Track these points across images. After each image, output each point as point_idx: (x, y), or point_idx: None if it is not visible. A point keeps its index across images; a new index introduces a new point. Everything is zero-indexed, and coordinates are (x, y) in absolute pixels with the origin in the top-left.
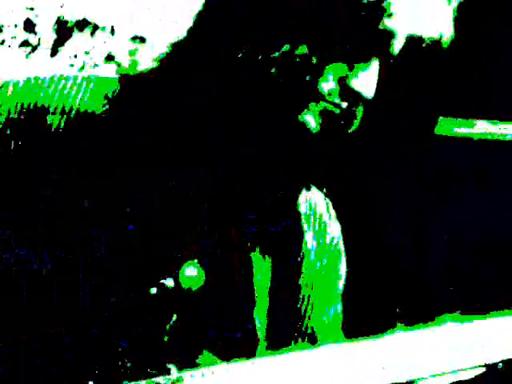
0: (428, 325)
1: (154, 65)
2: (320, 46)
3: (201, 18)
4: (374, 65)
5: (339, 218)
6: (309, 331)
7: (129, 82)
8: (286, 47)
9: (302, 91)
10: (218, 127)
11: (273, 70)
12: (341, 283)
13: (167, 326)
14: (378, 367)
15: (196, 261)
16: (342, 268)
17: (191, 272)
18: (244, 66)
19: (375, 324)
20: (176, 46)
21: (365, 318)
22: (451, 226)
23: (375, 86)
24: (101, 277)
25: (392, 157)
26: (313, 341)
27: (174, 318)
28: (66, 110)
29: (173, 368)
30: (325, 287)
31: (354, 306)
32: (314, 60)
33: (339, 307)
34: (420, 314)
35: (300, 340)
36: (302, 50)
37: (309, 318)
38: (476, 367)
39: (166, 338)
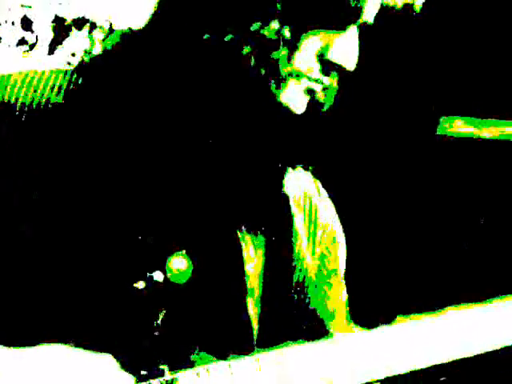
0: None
1: (109, 50)
2: (292, 19)
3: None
4: (352, 34)
5: (332, 198)
6: (307, 319)
7: (82, 72)
8: (256, 24)
9: (277, 69)
10: (192, 115)
11: (244, 50)
12: (341, 267)
13: (157, 321)
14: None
15: (184, 251)
16: (341, 250)
17: (179, 263)
18: (212, 48)
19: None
20: (136, 31)
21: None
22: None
23: (356, 57)
24: (85, 270)
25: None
26: (316, 328)
27: (164, 312)
28: (33, 104)
29: (166, 369)
30: (321, 272)
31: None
32: (288, 34)
33: (342, 292)
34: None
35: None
36: (274, 24)
37: (305, 306)
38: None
39: (156, 335)
